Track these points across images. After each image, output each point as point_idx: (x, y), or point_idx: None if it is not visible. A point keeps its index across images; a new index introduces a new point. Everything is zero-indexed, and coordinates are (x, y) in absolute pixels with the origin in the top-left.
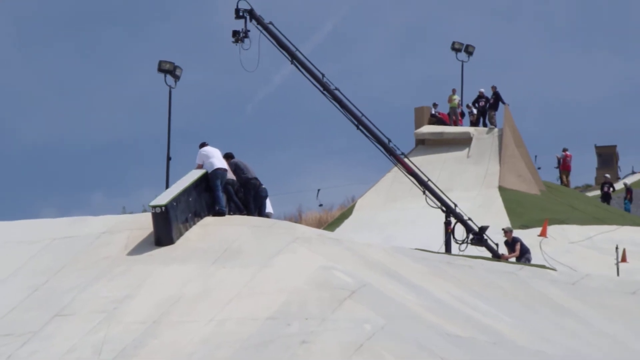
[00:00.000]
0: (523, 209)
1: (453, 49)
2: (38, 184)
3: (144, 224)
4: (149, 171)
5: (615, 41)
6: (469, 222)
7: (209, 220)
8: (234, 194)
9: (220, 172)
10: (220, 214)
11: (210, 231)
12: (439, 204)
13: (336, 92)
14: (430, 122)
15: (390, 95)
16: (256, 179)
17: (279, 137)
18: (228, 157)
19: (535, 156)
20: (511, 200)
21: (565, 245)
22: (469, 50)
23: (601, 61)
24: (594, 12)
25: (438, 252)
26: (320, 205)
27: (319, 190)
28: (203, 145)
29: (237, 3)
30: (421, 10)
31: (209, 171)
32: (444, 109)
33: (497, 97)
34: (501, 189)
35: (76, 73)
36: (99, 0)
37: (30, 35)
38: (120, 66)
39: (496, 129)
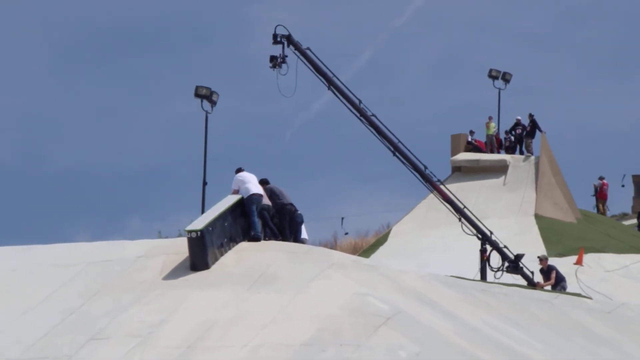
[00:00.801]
0: (559, 237)
1: (490, 76)
2: (74, 209)
3: (179, 248)
4: (185, 196)
5: None
6: (505, 249)
7: (244, 245)
8: (269, 219)
9: (256, 197)
10: (256, 239)
11: (246, 256)
12: (474, 232)
13: (373, 118)
14: (467, 150)
15: (426, 122)
16: (292, 204)
17: (317, 163)
18: (264, 182)
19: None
20: (547, 228)
21: (601, 274)
22: (506, 78)
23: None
24: (632, 39)
25: (473, 280)
26: (346, 233)
27: (342, 218)
28: (239, 170)
29: (275, 28)
30: (459, 37)
31: (245, 196)
32: (480, 136)
33: (534, 125)
34: (537, 216)
35: (114, 98)
36: (136, 25)
37: (67, 60)
38: (158, 91)
39: (533, 157)
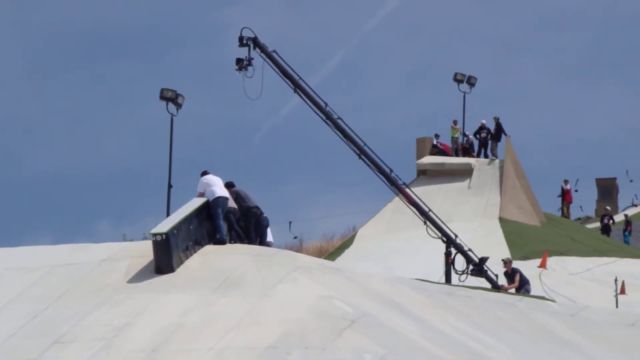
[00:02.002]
0: (523, 241)
1: (455, 80)
2: (43, 212)
3: (144, 251)
4: (152, 199)
5: (624, 76)
6: (469, 252)
7: (209, 248)
8: (235, 222)
9: (221, 200)
10: (221, 242)
11: (211, 260)
12: (439, 235)
13: (339, 121)
14: (432, 153)
15: (393, 126)
16: (257, 207)
17: (286, 166)
18: (229, 185)
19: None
20: (511, 231)
21: (565, 276)
22: (471, 82)
23: (608, 96)
24: (601, 47)
25: (438, 283)
26: (295, 237)
27: (290, 222)
28: (204, 173)
29: (241, 31)
30: (429, 42)
31: (210, 199)
32: (445, 140)
33: (499, 128)
34: (502, 220)
35: (86, 102)
36: (107, 30)
37: (39, 66)
38: (128, 96)
39: (497, 160)
